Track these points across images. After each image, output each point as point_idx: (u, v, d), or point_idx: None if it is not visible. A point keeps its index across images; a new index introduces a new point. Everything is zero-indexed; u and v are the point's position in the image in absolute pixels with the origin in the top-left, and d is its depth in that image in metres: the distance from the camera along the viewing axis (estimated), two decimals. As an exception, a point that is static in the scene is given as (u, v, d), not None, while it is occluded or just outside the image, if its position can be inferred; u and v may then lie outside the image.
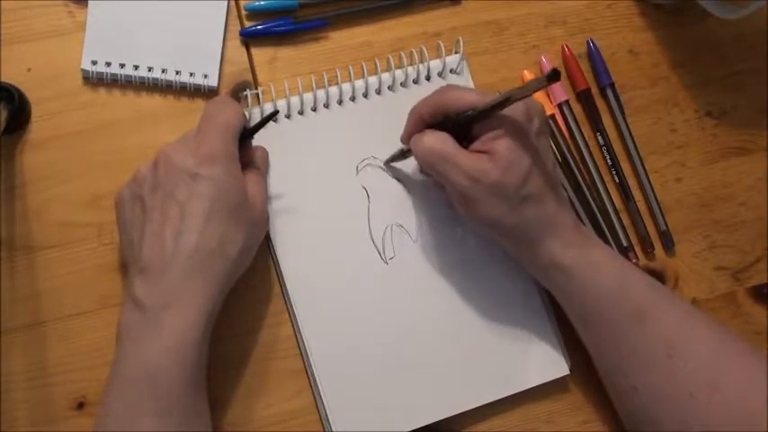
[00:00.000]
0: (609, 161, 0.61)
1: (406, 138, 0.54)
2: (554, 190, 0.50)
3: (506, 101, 0.46)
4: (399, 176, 0.58)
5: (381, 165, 0.57)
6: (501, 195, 0.48)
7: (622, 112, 0.62)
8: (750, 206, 0.63)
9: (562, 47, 0.63)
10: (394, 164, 0.57)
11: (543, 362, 0.56)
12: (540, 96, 0.61)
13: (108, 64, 0.56)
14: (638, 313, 0.49)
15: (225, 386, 0.53)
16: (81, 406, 0.51)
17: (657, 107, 0.64)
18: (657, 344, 0.49)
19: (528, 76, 0.62)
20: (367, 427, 0.52)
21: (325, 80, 0.58)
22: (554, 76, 0.43)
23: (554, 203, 0.50)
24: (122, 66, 0.56)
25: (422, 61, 0.59)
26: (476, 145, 0.49)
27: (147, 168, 0.49)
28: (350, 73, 0.58)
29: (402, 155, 0.55)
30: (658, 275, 0.60)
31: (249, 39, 0.59)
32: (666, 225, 0.61)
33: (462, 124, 0.50)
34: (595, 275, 0.50)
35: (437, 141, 0.49)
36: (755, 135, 0.65)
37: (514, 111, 0.48)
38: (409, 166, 0.57)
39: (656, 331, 0.49)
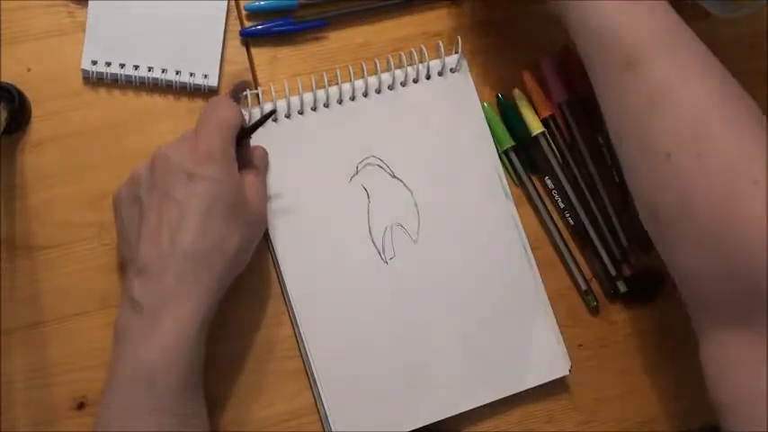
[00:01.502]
0: (609, 161, 0.61)
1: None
2: None
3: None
4: (400, 176, 0.58)
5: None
6: None
7: (622, 112, 0.62)
8: (750, 206, 0.63)
9: (562, 47, 0.63)
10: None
11: (543, 362, 0.56)
12: (540, 96, 0.61)
13: (108, 64, 0.56)
14: (628, 60, 0.46)
15: (224, 386, 0.53)
16: (81, 406, 0.51)
17: (657, 107, 0.63)
18: (641, 95, 0.46)
19: (528, 76, 0.62)
20: (367, 427, 0.52)
21: (326, 80, 0.58)
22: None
23: None
24: (122, 66, 0.56)
25: (422, 61, 0.59)
26: None
27: (144, 168, 0.49)
28: (350, 73, 0.58)
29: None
30: (658, 275, 0.60)
31: (249, 39, 0.59)
32: (666, 225, 0.61)
33: None
34: (605, 14, 0.47)
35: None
36: (755, 135, 0.64)
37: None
38: (411, 165, 0.57)
39: (642, 82, 0.46)
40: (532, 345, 0.56)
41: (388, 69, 0.59)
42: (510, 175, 0.60)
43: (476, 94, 0.60)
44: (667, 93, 0.45)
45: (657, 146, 0.45)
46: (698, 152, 0.44)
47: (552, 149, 0.60)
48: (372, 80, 0.58)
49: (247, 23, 0.59)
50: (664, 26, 0.47)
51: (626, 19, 0.47)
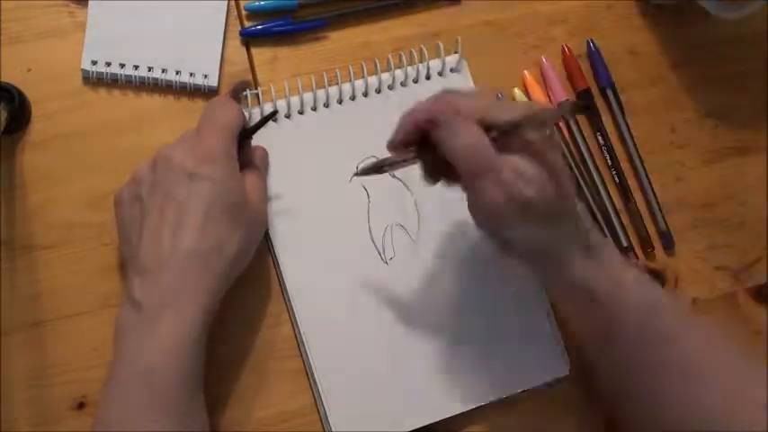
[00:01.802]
0: (609, 161, 0.61)
1: (394, 146, 0.49)
2: (576, 206, 0.48)
3: (524, 123, 0.44)
4: (400, 176, 0.58)
5: (351, 178, 0.56)
6: (532, 214, 0.45)
7: (622, 112, 0.62)
8: (750, 206, 0.63)
9: (562, 47, 0.63)
10: (367, 177, 0.51)
11: (543, 362, 0.56)
12: (540, 96, 0.61)
13: (108, 64, 0.56)
14: (661, 338, 0.47)
15: (224, 386, 0.53)
16: (81, 406, 0.51)
17: (657, 107, 0.64)
18: (679, 369, 0.47)
19: (528, 76, 0.62)
20: (367, 427, 0.52)
21: (326, 80, 0.58)
22: (583, 107, 0.40)
23: (578, 221, 0.48)
24: (122, 66, 0.56)
25: (421, 61, 0.59)
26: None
27: (145, 168, 0.49)
28: (350, 73, 0.58)
29: (376, 169, 0.50)
30: (658, 275, 0.60)
31: (249, 39, 0.59)
32: (666, 225, 0.61)
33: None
34: (622, 296, 0.48)
35: (478, 143, 0.44)
36: (755, 135, 0.65)
37: (525, 112, 0.45)
38: (411, 165, 0.57)
39: (677, 356, 0.47)
40: (532, 345, 0.56)
41: (388, 69, 0.59)
42: (510, 175, 0.60)
43: (476, 94, 0.60)
44: (703, 362, 0.47)
45: (698, 414, 0.46)
46: (734, 410, 0.46)
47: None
48: (372, 80, 0.58)
49: (247, 23, 0.59)
50: (671, 302, 0.50)
51: (653, 294, 0.48)
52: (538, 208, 0.45)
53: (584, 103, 0.40)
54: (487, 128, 0.45)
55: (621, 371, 0.50)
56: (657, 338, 0.48)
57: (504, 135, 0.45)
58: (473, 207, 0.47)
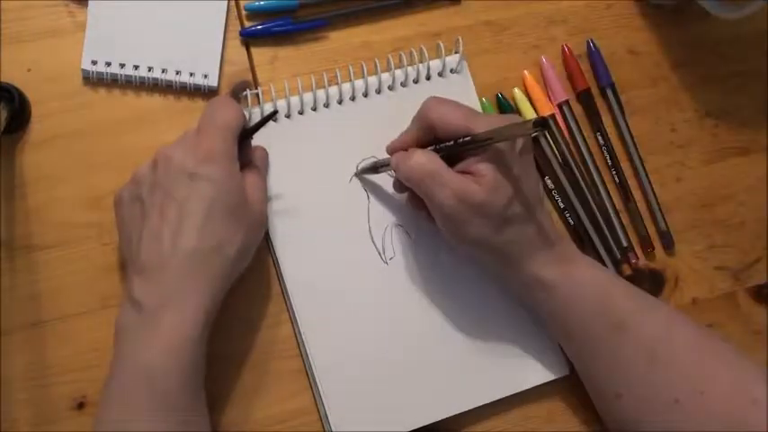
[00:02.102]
0: (609, 161, 0.61)
1: (392, 150, 0.54)
2: (538, 208, 0.51)
3: (494, 139, 0.48)
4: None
5: (354, 176, 0.57)
6: (486, 216, 0.49)
7: (622, 112, 0.62)
8: (750, 206, 0.63)
9: (562, 47, 0.63)
10: (366, 176, 0.57)
11: (543, 362, 0.56)
12: (540, 96, 0.61)
13: (108, 64, 0.56)
14: (619, 325, 0.50)
15: (225, 386, 0.53)
16: (81, 406, 0.51)
17: (657, 107, 0.64)
18: (638, 352, 0.49)
19: (528, 76, 0.62)
20: (367, 427, 0.52)
21: (326, 80, 0.58)
22: (541, 123, 0.44)
23: (537, 223, 0.51)
24: (122, 66, 0.56)
25: (422, 61, 0.59)
26: (461, 166, 0.50)
27: (146, 168, 0.49)
28: (350, 73, 0.58)
29: (374, 169, 0.56)
30: (658, 275, 0.60)
31: (249, 39, 0.59)
32: (666, 225, 0.61)
33: (452, 149, 0.50)
34: (578, 291, 0.51)
35: (426, 160, 0.50)
36: (755, 135, 0.65)
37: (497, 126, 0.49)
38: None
39: (636, 340, 0.50)
40: (533, 345, 0.56)
41: (388, 69, 0.59)
42: (510, 175, 0.60)
43: (476, 94, 0.60)
44: (661, 345, 0.49)
45: (664, 395, 0.48)
46: (701, 390, 0.47)
47: (552, 149, 0.60)
48: (372, 80, 0.58)
49: (247, 23, 0.59)
50: (633, 290, 0.52)
51: (604, 285, 0.51)
52: (489, 209, 0.48)
53: (541, 121, 0.44)
54: (456, 139, 0.49)
55: (587, 362, 0.52)
56: (609, 325, 0.50)
57: (479, 145, 0.48)
58: (433, 212, 0.51)
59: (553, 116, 0.61)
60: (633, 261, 0.59)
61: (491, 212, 0.49)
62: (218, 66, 0.57)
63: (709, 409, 0.47)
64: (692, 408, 0.47)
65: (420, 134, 0.52)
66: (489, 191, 0.48)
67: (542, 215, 0.52)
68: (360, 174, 0.57)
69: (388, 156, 0.54)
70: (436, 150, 0.51)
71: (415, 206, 0.54)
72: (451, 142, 0.50)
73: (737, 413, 0.47)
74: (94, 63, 0.56)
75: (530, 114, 0.60)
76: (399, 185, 0.55)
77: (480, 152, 0.49)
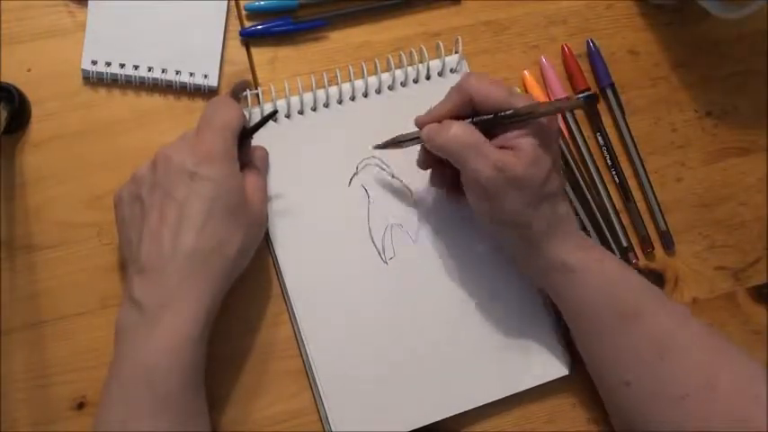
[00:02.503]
0: (609, 161, 0.61)
1: (422, 122, 0.53)
2: (565, 194, 0.52)
3: (539, 113, 0.48)
4: (400, 176, 0.58)
5: (371, 148, 0.56)
6: (523, 189, 0.49)
7: (622, 112, 0.62)
8: (750, 206, 0.63)
9: (562, 47, 0.63)
10: (386, 150, 0.56)
11: (543, 362, 0.56)
12: (540, 96, 0.61)
13: (108, 64, 0.56)
14: (632, 313, 0.50)
15: (225, 386, 0.53)
16: (81, 406, 0.51)
17: (657, 107, 0.64)
18: (650, 344, 0.49)
19: (528, 76, 0.62)
20: (367, 427, 0.52)
21: (326, 80, 0.58)
22: (592, 97, 0.44)
23: (566, 206, 0.52)
24: (122, 66, 0.56)
25: (422, 61, 0.59)
26: (498, 141, 0.50)
27: (145, 168, 0.49)
28: (350, 73, 0.58)
29: (397, 143, 0.55)
30: (658, 275, 0.60)
31: (249, 39, 0.59)
32: (666, 225, 0.61)
33: (490, 123, 0.50)
34: (595, 278, 0.51)
35: (465, 131, 0.50)
36: (755, 135, 0.65)
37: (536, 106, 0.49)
38: (411, 165, 0.57)
39: (649, 331, 0.50)
40: (532, 345, 0.56)
41: (388, 69, 0.59)
42: (510, 175, 0.60)
43: (476, 94, 0.60)
44: (672, 339, 0.49)
45: (673, 389, 0.48)
46: (710, 386, 0.47)
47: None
48: (372, 80, 0.58)
49: (247, 23, 0.59)
50: (646, 282, 0.52)
51: (623, 274, 0.52)
52: (527, 182, 0.49)
53: (590, 97, 0.43)
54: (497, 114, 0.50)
55: (598, 349, 0.52)
56: (626, 315, 0.50)
57: (517, 120, 0.49)
58: (468, 185, 0.51)
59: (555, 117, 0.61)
60: (633, 261, 0.60)
61: (529, 186, 0.49)
62: (218, 66, 0.57)
63: (715, 404, 0.47)
64: (699, 403, 0.47)
65: (456, 107, 0.52)
66: (528, 164, 0.48)
67: (568, 203, 0.52)
68: (381, 146, 0.56)
69: (412, 131, 0.54)
70: (474, 123, 0.51)
71: (438, 184, 0.55)
72: (491, 116, 0.50)
73: (740, 410, 0.47)
74: (94, 63, 0.56)
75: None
76: (425, 161, 0.55)
77: (519, 127, 0.49)
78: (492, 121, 0.50)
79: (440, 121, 0.52)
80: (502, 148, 0.49)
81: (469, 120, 0.51)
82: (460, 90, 0.51)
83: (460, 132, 0.50)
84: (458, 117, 0.51)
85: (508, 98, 0.50)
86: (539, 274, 0.53)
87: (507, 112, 0.49)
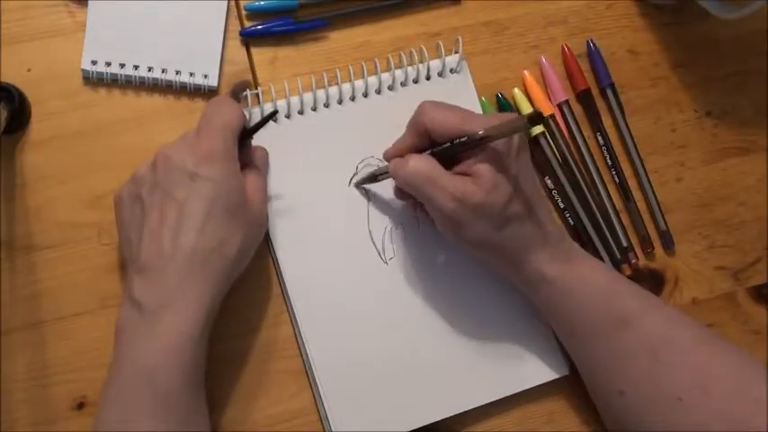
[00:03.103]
0: (609, 161, 0.61)
1: (389, 156, 0.54)
2: (537, 206, 0.51)
3: (491, 137, 0.48)
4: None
5: (348, 187, 0.57)
6: (486, 216, 0.49)
7: (622, 112, 0.62)
8: (750, 206, 0.63)
9: (562, 47, 0.63)
10: (364, 186, 0.57)
11: (543, 362, 0.56)
12: (540, 96, 0.61)
13: (108, 64, 0.56)
14: (622, 320, 0.50)
15: (225, 386, 0.53)
16: (81, 406, 0.51)
17: (657, 107, 0.64)
18: (642, 349, 0.49)
19: (528, 76, 0.62)
20: (367, 427, 0.52)
21: (326, 80, 0.58)
22: (535, 118, 0.45)
23: (536, 220, 0.51)
24: (122, 66, 0.56)
25: (422, 61, 0.59)
26: (459, 168, 0.50)
27: (145, 168, 0.49)
28: (350, 73, 0.58)
29: (373, 178, 0.55)
30: (658, 275, 0.60)
31: (249, 39, 0.59)
32: (666, 225, 0.61)
33: (448, 151, 0.50)
34: (580, 287, 0.51)
35: (423, 164, 0.50)
36: (755, 135, 0.65)
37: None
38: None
39: (639, 337, 0.50)
40: (532, 345, 0.56)
41: (388, 69, 0.59)
42: (510, 175, 0.60)
43: (476, 94, 0.60)
44: (665, 343, 0.50)
45: (667, 392, 0.48)
46: (705, 389, 0.47)
47: (552, 149, 0.60)
48: (372, 80, 0.58)
49: (247, 23, 0.59)
50: (636, 287, 0.53)
51: (608, 282, 0.52)
52: (489, 209, 0.49)
53: (534, 116, 0.44)
54: (452, 140, 0.50)
55: (590, 359, 0.52)
56: (612, 322, 0.50)
57: (475, 144, 0.48)
58: (434, 217, 0.51)
59: (553, 116, 0.61)
60: (633, 261, 0.59)
61: (491, 212, 0.49)
62: (218, 66, 0.57)
63: (712, 407, 0.47)
64: (695, 406, 0.47)
65: (415, 139, 0.52)
66: (488, 191, 0.48)
67: (542, 213, 0.52)
68: (359, 184, 0.57)
69: (386, 163, 0.54)
70: (432, 154, 0.51)
71: (418, 210, 0.55)
72: (447, 144, 0.50)
73: (739, 412, 0.47)
74: (94, 63, 0.56)
75: (530, 114, 0.60)
76: (400, 192, 0.55)
77: (477, 153, 0.49)
78: (449, 150, 0.50)
79: (403, 155, 0.52)
80: (462, 174, 0.49)
81: (429, 151, 0.51)
82: (416, 121, 0.52)
83: (418, 166, 0.50)
84: (420, 149, 0.51)
85: (462, 124, 0.49)
86: (526, 288, 0.54)
87: (462, 140, 0.49)
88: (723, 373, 0.48)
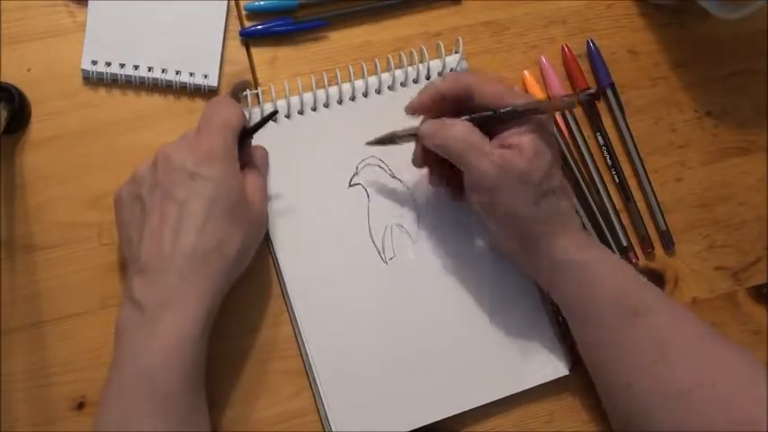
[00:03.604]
0: (609, 161, 0.61)
1: (415, 109, 0.53)
2: (568, 187, 0.52)
3: (538, 110, 0.49)
4: (399, 176, 0.58)
5: (365, 144, 0.56)
6: (526, 185, 0.49)
7: (622, 112, 0.62)
8: (750, 206, 0.63)
9: (562, 47, 0.63)
10: (386, 148, 0.56)
11: (543, 362, 0.56)
12: (540, 96, 0.61)
13: (108, 64, 0.56)
14: (635, 312, 0.50)
15: (225, 386, 0.53)
16: (81, 406, 0.51)
17: (657, 107, 0.64)
18: (651, 342, 0.49)
19: (528, 76, 0.62)
20: (367, 427, 0.52)
21: (326, 80, 0.58)
22: (592, 96, 0.44)
23: (568, 203, 0.52)
24: (122, 66, 0.56)
25: (422, 61, 0.59)
26: (498, 140, 0.50)
27: (145, 168, 0.49)
28: (350, 73, 0.58)
29: (391, 140, 0.55)
30: (658, 275, 0.60)
31: (249, 39, 0.59)
32: (666, 225, 0.61)
33: (489, 120, 0.50)
34: (596, 276, 0.51)
35: (467, 131, 0.50)
36: (755, 135, 0.65)
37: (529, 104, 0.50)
38: (411, 165, 0.57)
39: (650, 329, 0.50)
40: (532, 345, 0.56)
41: (388, 69, 0.59)
42: (510, 175, 0.60)
43: (476, 94, 0.60)
44: (674, 336, 0.49)
45: (675, 385, 0.48)
46: (714, 382, 0.47)
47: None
48: (372, 80, 0.58)
49: (247, 23, 0.59)
50: (645, 280, 0.52)
51: (626, 273, 0.52)
52: (530, 178, 0.49)
53: (588, 94, 0.44)
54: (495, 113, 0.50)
55: (600, 350, 0.52)
56: (628, 313, 0.50)
57: (518, 116, 0.49)
58: (471, 184, 0.51)
59: (553, 116, 0.61)
60: (633, 261, 0.59)
61: (531, 181, 0.49)
62: (218, 66, 0.57)
63: (716, 402, 0.47)
64: (702, 400, 0.47)
65: (445, 97, 0.52)
66: (530, 159, 0.49)
67: (571, 196, 0.52)
68: (375, 142, 0.55)
69: (406, 127, 0.54)
70: (472, 120, 0.51)
71: (437, 182, 0.55)
72: (491, 112, 0.50)
73: (744, 407, 0.46)
74: (94, 63, 0.56)
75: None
76: (421, 159, 0.55)
77: (517, 125, 0.49)
78: (490, 118, 0.50)
79: (431, 109, 0.52)
80: (501, 146, 0.50)
81: (466, 117, 0.51)
82: (459, 82, 0.51)
83: (463, 132, 0.50)
84: (447, 106, 0.51)
85: (506, 95, 0.50)
86: (541, 274, 0.53)
87: (506, 109, 0.49)
88: (727, 370, 0.48)
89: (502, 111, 0.50)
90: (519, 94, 0.51)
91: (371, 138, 0.55)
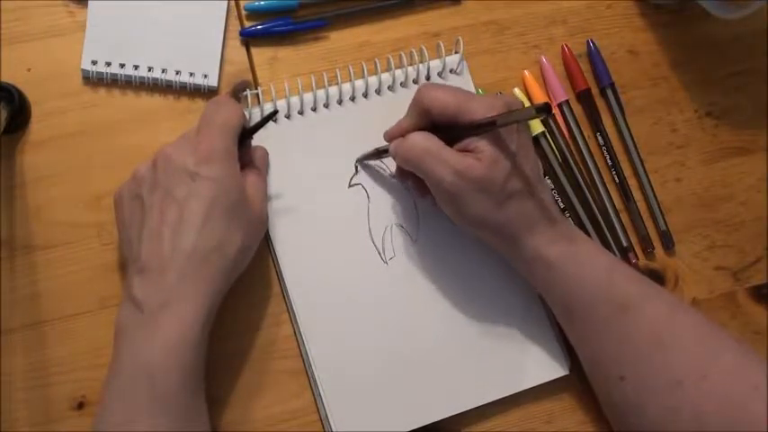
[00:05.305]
0: (609, 161, 0.61)
1: (390, 137, 0.54)
2: (538, 185, 0.51)
3: (494, 123, 0.48)
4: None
5: (356, 163, 0.57)
6: (487, 191, 0.49)
7: (622, 112, 0.62)
8: (750, 206, 0.63)
9: (562, 47, 0.63)
10: (367, 162, 0.57)
11: (543, 362, 0.56)
12: (540, 96, 0.61)
13: (108, 64, 0.56)
14: (623, 305, 0.50)
15: (225, 386, 0.53)
16: (81, 406, 0.51)
17: (657, 107, 0.64)
18: (643, 334, 0.49)
19: (528, 76, 0.62)
20: (367, 427, 0.52)
21: (326, 80, 0.58)
22: (544, 108, 0.44)
23: (537, 199, 0.51)
24: (122, 66, 0.56)
25: (422, 61, 0.59)
26: (459, 146, 0.50)
27: (146, 167, 0.49)
28: (350, 73, 0.58)
29: (377, 154, 0.56)
30: (658, 275, 0.60)
31: (249, 39, 0.59)
32: (666, 225, 0.61)
33: (450, 133, 0.50)
34: (580, 268, 0.51)
35: (422, 138, 0.50)
36: (755, 135, 0.65)
37: (496, 109, 0.49)
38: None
39: (641, 322, 0.49)
40: (532, 345, 0.56)
41: (388, 69, 0.59)
42: (510, 175, 0.60)
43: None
44: (665, 328, 0.49)
45: (667, 376, 0.48)
46: (704, 373, 0.47)
47: (552, 149, 0.60)
48: (372, 80, 0.58)
49: (247, 23, 0.59)
50: (634, 272, 0.52)
51: (615, 268, 0.52)
52: (489, 184, 0.49)
53: (543, 106, 0.44)
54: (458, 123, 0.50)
55: (590, 344, 0.52)
56: (613, 306, 0.50)
57: (483, 130, 0.49)
58: (434, 191, 0.51)
59: (553, 116, 0.61)
60: (633, 261, 0.59)
61: (491, 187, 0.49)
62: (218, 66, 0.57)
63: (711, 392, 0.47)
64: (695, 390, 0.47)
65: (416, 120, 0.52)
66: (488, 165, 0.49)
67: (543, 192, 0.52)
68: (362, 160, 0.57)
69: (383, 144, 0.55)
70: (441, 130, 0.51)
71: (420, 194, 0.55)
72: (450, 127, 0.50)
73: (738, 398, 0.46)
74: (94, 63, 0.56)
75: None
76: (401, 173, 0.55)
77: (478, 133, 0.49)
78: (452, 133, 0.50)
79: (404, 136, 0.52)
80: (463, 150, 0.50)
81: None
82: (416, 103, 0.52)
83: (417, 140, 0.50)
84: (421, 129, 0.52)
85: (462, 104, 0.50)
86: (524, 270, 0.53)
87: (467, 124, 0.49)
88: (722, 358, 0.48)
89: (461, 126, 0.49)
90: (477, 98, 0.51)
91: (374, 141, 0.56)
